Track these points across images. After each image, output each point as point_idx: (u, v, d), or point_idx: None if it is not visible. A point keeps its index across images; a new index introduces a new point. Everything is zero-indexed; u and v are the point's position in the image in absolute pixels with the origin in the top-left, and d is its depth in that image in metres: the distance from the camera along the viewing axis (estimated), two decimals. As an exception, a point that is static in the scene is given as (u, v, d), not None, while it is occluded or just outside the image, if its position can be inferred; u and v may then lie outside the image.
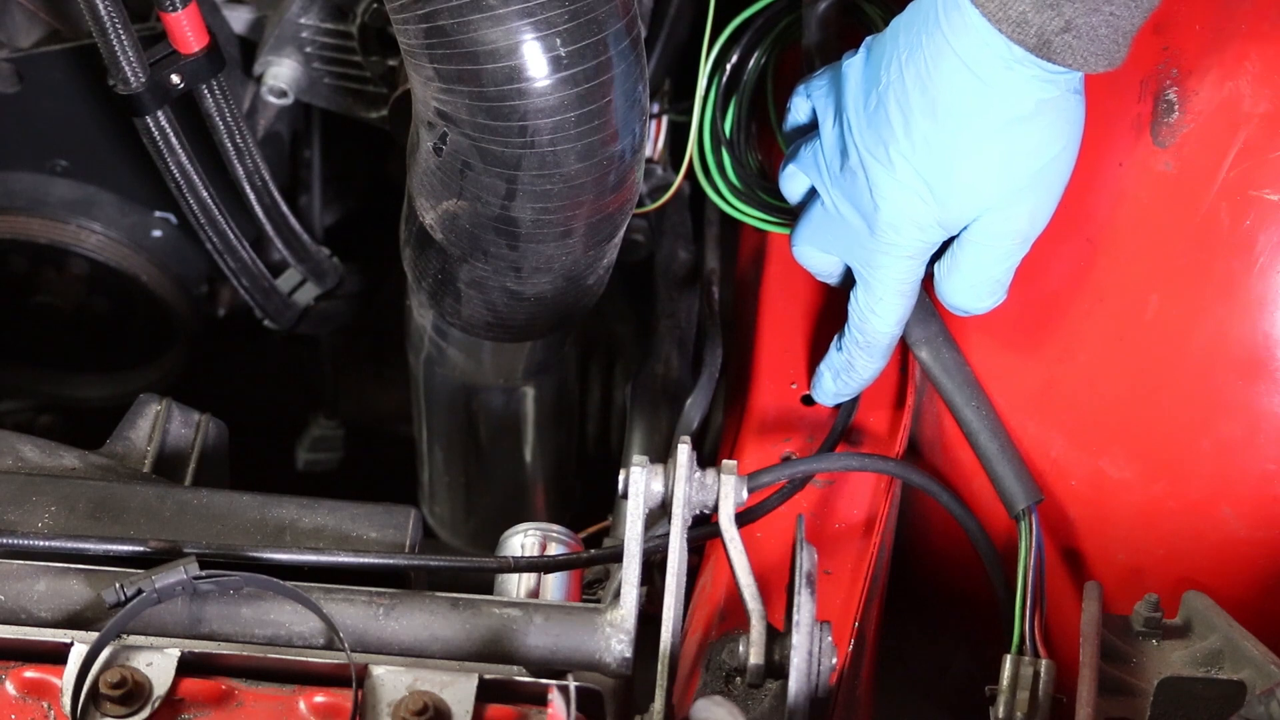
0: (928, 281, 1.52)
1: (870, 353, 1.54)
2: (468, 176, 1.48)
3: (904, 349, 1.61)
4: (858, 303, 1.52)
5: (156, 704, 1.23)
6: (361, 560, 1.35)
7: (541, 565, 1.43)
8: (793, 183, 1.55)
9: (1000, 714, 1.37)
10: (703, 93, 1.69)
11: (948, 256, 1.48)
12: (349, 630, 1.30)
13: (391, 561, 1.36)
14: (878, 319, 1.51)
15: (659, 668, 1.29)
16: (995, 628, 1.57)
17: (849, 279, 1.54)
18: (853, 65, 1.47)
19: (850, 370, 1.56)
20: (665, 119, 1.86)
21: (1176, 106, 1.45)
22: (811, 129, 1.53)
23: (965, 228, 1.45)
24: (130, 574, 1.29)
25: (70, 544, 1.34)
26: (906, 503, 1.63)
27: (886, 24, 1.66)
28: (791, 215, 1.69)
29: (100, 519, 1.39)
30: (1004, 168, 1.41)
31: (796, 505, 1.53)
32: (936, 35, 1.38)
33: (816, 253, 1.54)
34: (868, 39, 1.48)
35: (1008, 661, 1.39)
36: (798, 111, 1.56)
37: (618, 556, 1.34)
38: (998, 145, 1.40)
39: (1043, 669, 1.38)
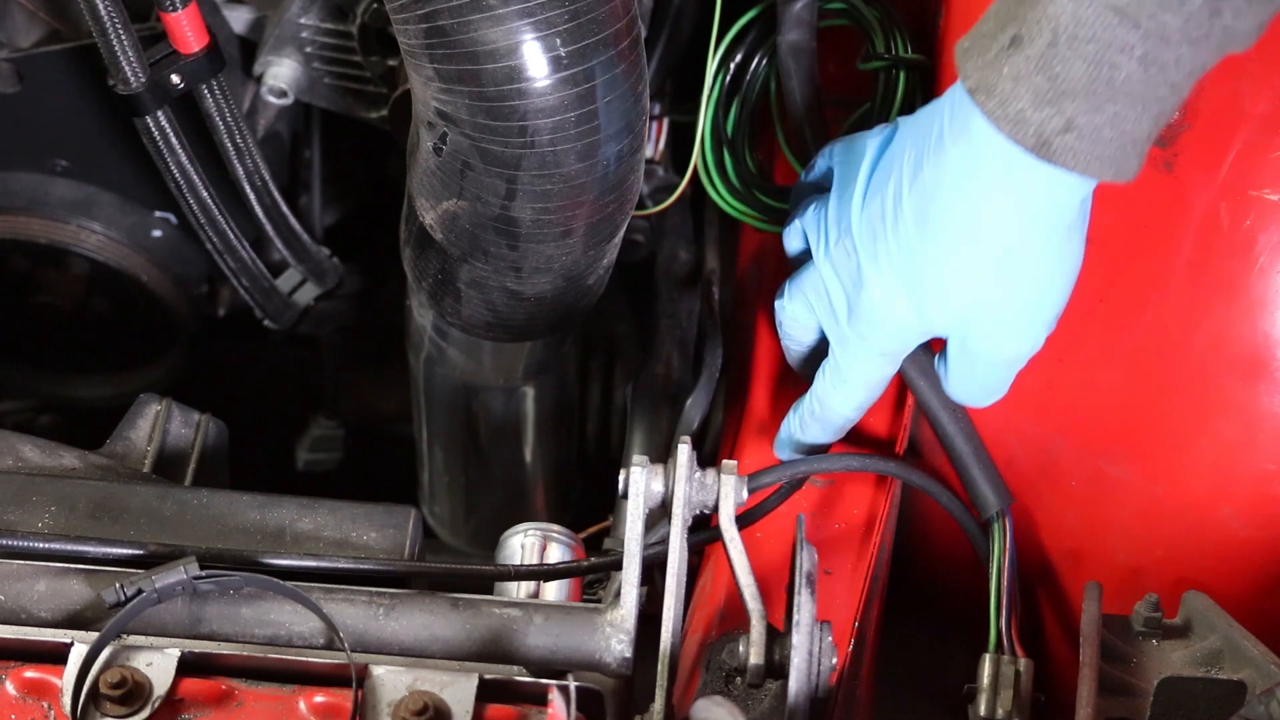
0: None
1: (824, 428, 1.51)
2: (468, 176, 1.48)
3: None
4: (823, 377, 1.48)
5: (156, 704, 1.23)
6: (360, 567, 1.35)
7: (540, 574, 1.43)
8: (793, 238, 1.52)
9: (982, 712, 1.38)
10: (708, 94, 1.69)
11: (943, 353, 1.46)
12: (349, 630, 1.30)
13: (390, 568, 1.36)
14: (837, 401, 1.48)
15: (659, 668, 1.29)
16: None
17: (820, 350, 1.52)
18: (873, 143, 1.42)
19: (801, 435, 1.53)
20: (666, 120, 1.86)
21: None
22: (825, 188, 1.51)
23: (954, 335, 1.42)
24: (130, 574, 1.29)
25: (70, 545, 1.34)
26: (906, 503, 1.63)
27: (884, 28, 1.67)
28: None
29: (100, 519, 1.39)
30: (990, 286, 1.36)
31: (796, 505, 1.53)
32: (939, 134, 1.33)
33: (801, 310, 1.49)
34: (900, 119, 1.42)
35: (987, 660, 1.40)
36: (816, 170, 1.53)
37: (617, 565, 1.34)
38: (986, 261, 1.34)
39: (1023, 667, 1.39)
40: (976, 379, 1.44)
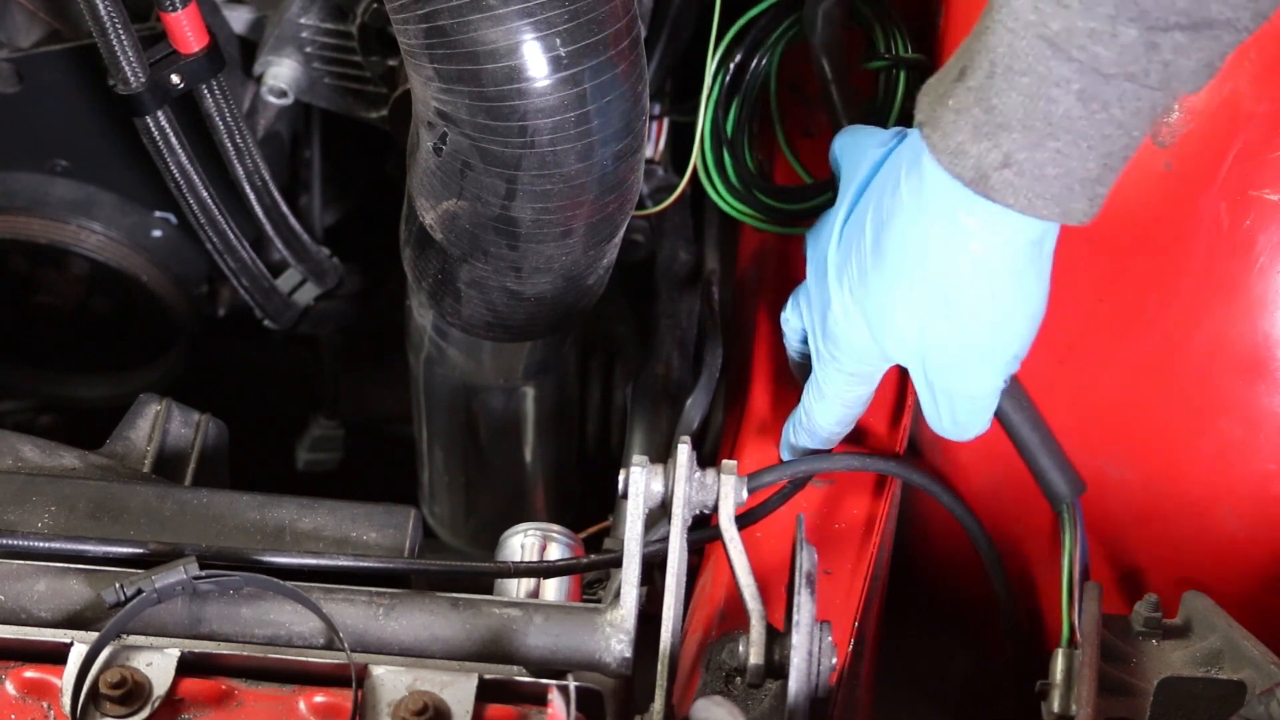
0: None
1: (812, 438, 1.51)
2: (468, 176, 1.48)
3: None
4: (808, 391, 1.48)
5: (156, 704, 1.23)
6: (361, 564, 1.35)
7: (540, 571, 1.43)
8: (807, 247, 1.49)
9: (1056, 708, 1.35)
10: (708, 94, 1.69)
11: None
12: (349, 630, 1.30)
13: (390, 566, 1.36)
14: (819, 415, 1.48)
15: (659, 668, 1.29)
16: (995, 628, 1.57)
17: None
18: (874, 154, 1.38)
19: (795, 442, 1.52)
20: (666, 120, 1.86)
21: (1176, 106, 1.45)
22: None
23: (914, 368, 1.39)
24: (130, 574, 1.29)
25: (70, 545, 1.34)
26: (906, 503, 1.63)
27: (884, 28, 1.67)
28: (788, 217, 1.69)
29: (100, 519, 1.39)
30: (939, 323, 1.33)
31: (796, 505, 1.53)
32: (898, 166, 1.31)
33: (796, 321, 1.48)
34: (906, 132, 1.38)
35: (1059, 655, 1.37)
36: (833, 165, 1.49)
37: (617, 562, 1.34)
38: (934, 298, 1.31)
39: None
40: (943, 413, 1.40)
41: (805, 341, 1.49)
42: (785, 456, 1.55)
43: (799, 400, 1.51)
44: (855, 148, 1.42)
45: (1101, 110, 1.20)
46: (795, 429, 1.52)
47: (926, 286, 1.31)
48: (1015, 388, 1.52)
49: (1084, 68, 1.18)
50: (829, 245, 1.39)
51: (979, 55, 1.22)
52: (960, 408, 1.40)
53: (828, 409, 1.47)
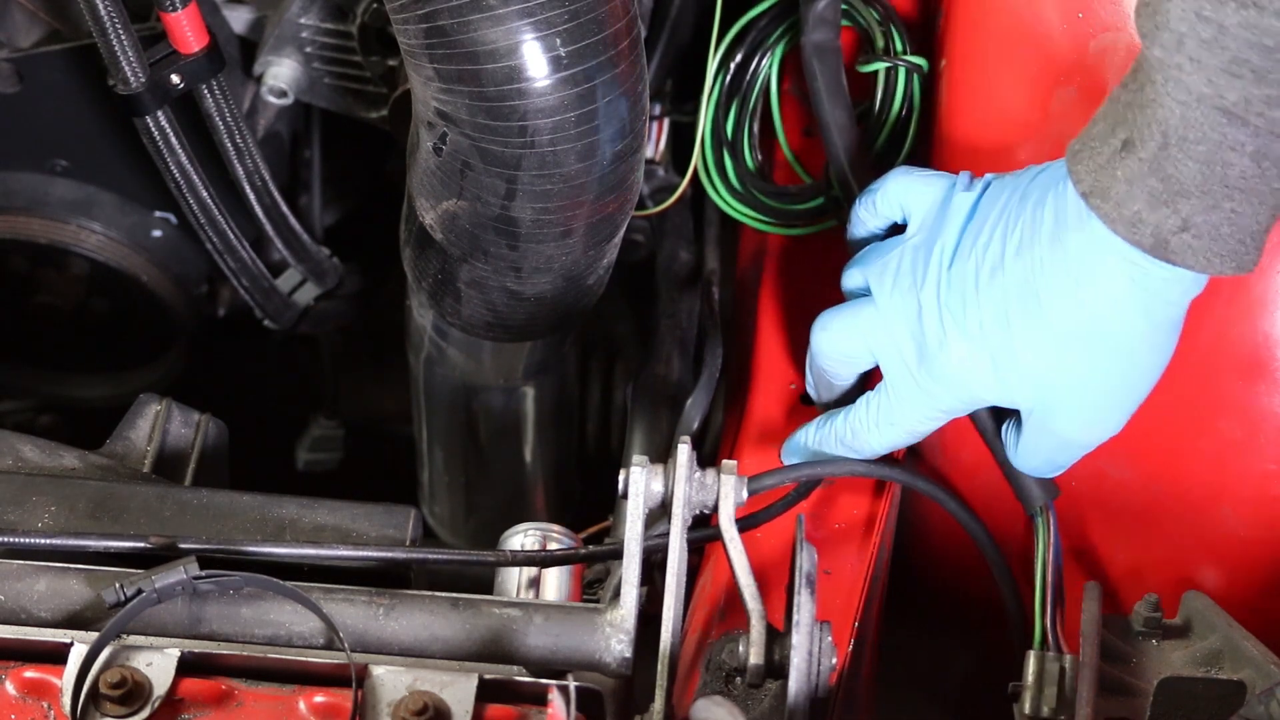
0: None
1: (846, 453, 1.50)
2: (468, 176, 1.48)
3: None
4: (866, 413, 1.46)
5: (156, 704, 1.23)
6: (360, 553, 1.35)
7: (539, 560, 1.43)
8: (852, 281, 1.48)
9: (1027, 710, 1.36)
10: (709, 95, 1.69)
11: (1015, 421, 1.45)
12: (349, 630, 1.30)
13: (390, 554, 1.36)
14: (875, 439, 1.47)
15: (659, 668, 1.29)
16: (995, 628, 1.57)
17: (854, 386, 1.51)
18: (962, 200, 1.40)
19: (819, 449, 1.51)
20: (666, 120, 1.86)
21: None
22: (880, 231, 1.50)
23: (1034, 411, 1.41)
24: (130, 574, 1.29)
25: (70, 541, 1.34)
26: (906, 503, 1.63)
27: (884, 29, 1.66)
28: (788, 217, 1.69)
29: (100, 519, 1.39)
30: (1083, 370, 1.36)
31: (796, 505, 1.53)
32: (1054, 221, 1.33)
33: (856, 348, 1.45)
34: (988, 177, 1.41)
35: (1031, 658, 1.38)
36: (885, 206, 1.48)
37: (617, 554, 1.34)
38: (1086, 346, 1.34)
39: (1068, 664, 1.37)
40: (1045, 455, 1.43)
41: (853, 371, 1.48)
42: (786, 460, 1.55)
43: (840, 417, 1.48)
44: (922, 187, 1.44)
45: (1272, 167, 1.24)
46: (826, 441, 1.50)
47: (1083, 335, 1.34)
48: None
49: (1259, 131, 1.22)
50: (939, 282, 1.39)
51: (1148, 128, 1.25)
52: (1064, 452, 1.42)
53: (890, 436, 1.46)
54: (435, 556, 1.38)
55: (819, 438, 1.51)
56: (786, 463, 1.54)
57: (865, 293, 1.45)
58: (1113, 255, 1.30)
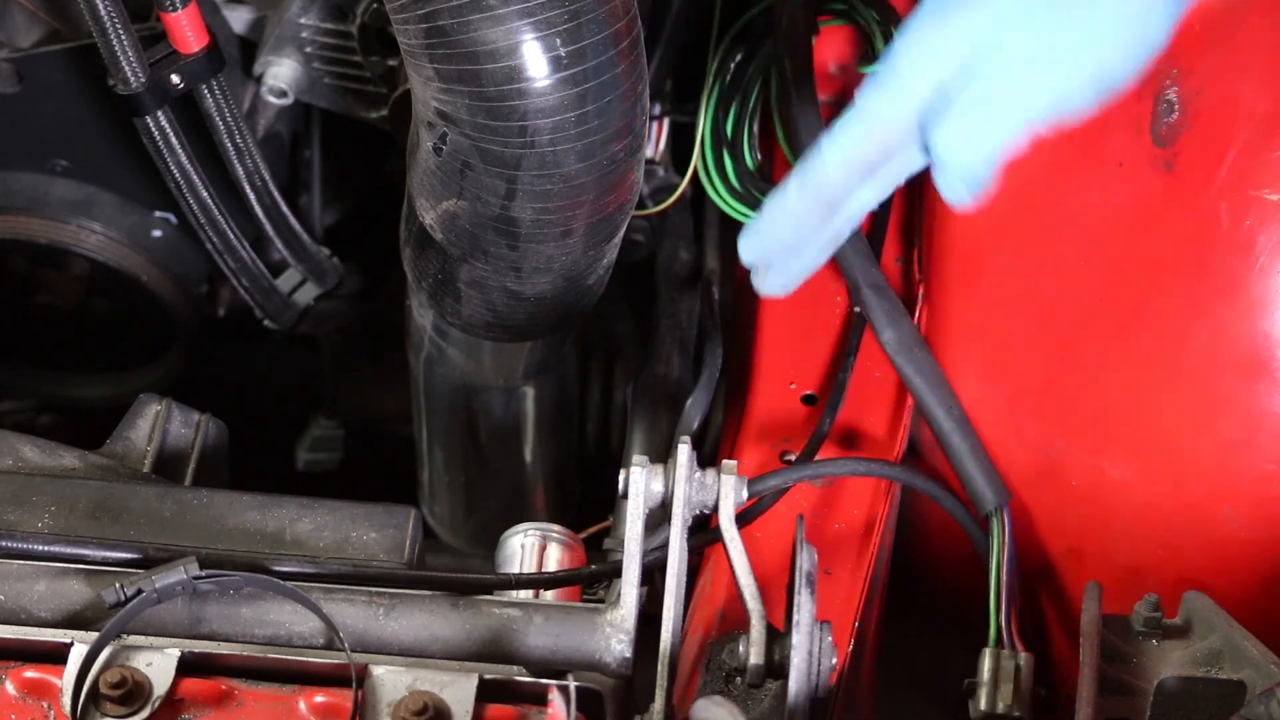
0: (894, 275, 1.48)
1: (802, 198, 1.33)
2: (468, 176, 1.48)
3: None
4: (834, 128, 1.31)
5: (156, 704, 1.23)
6: (361, 573, 1.35)
7: (542, 582, 1.43)
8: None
9: (982, 706, 1.38)
10: (709, 95, 1.69)
11: (941, 129, 1.28)
12: (349, 630, 1.30)
13: (391, 574, 1.36)
14: (829, 152, 1.30)
15: (659, 668, 1.29)
16: (995, 627, 1.57)
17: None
18: None
19: (772, 218, 1.36)
20: (666, 120, 1.86)
21: (1176, 106, 1.45)
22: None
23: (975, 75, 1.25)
24: (130, 574, 1.29)
25: (70, 548, 1.34)
26: (906, 503, 1.63)
27: (882, 28, 1.66)
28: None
29: (100, 519, 1.39)
30: (1041, 6, 1.24)
31: (796, 505, 1.53)
32: None
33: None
34: None
35: (987, 655, 1.41)
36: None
37: (617, 572, 1.34)
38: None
39: (1023, 661, 1.39)
40: (972, 143, 1.27)
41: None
42: (748, 245, 1.39)
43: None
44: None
45: None
46: (785, 195, 1.34)
47: None
48: (949, 397, 1.53)
49: None
50: None
51: None
52: (995, 135, 1.27)
53: (841, 150, 1.30)
54: (437, 577, 1.38)
55: (771, 205, 1.35)
56: (744, 248, 1.40)
57: None
58: None
